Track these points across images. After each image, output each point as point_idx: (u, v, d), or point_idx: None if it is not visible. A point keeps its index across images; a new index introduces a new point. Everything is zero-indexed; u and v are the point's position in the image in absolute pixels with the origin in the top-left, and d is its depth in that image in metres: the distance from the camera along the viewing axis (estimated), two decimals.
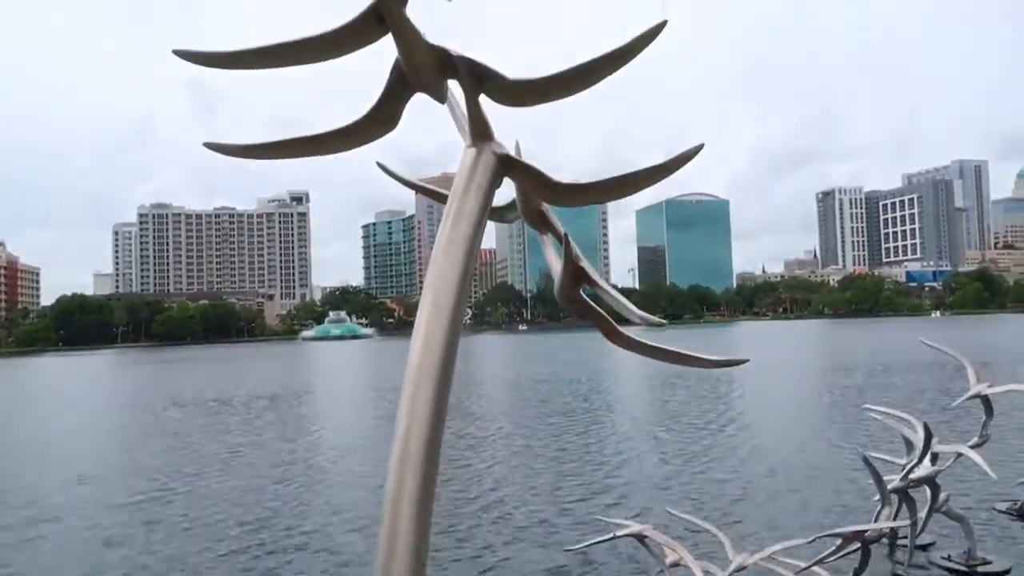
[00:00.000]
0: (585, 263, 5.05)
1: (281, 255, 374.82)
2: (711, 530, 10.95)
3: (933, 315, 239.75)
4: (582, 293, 5.26)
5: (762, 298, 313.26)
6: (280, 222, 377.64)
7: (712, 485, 18.97)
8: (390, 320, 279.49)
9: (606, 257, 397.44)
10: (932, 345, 14.55)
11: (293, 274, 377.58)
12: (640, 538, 10.02)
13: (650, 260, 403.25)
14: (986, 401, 13.32)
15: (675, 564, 9.89)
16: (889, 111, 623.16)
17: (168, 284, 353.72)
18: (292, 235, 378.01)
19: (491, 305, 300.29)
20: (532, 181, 4.77)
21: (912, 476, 11.62)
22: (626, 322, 5.35)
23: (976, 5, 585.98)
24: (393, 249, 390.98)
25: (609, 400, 40.79)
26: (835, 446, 23.05)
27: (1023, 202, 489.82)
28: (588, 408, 36.23)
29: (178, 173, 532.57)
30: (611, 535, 10.20)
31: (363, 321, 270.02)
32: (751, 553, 10.41)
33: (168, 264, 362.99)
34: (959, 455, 12.59)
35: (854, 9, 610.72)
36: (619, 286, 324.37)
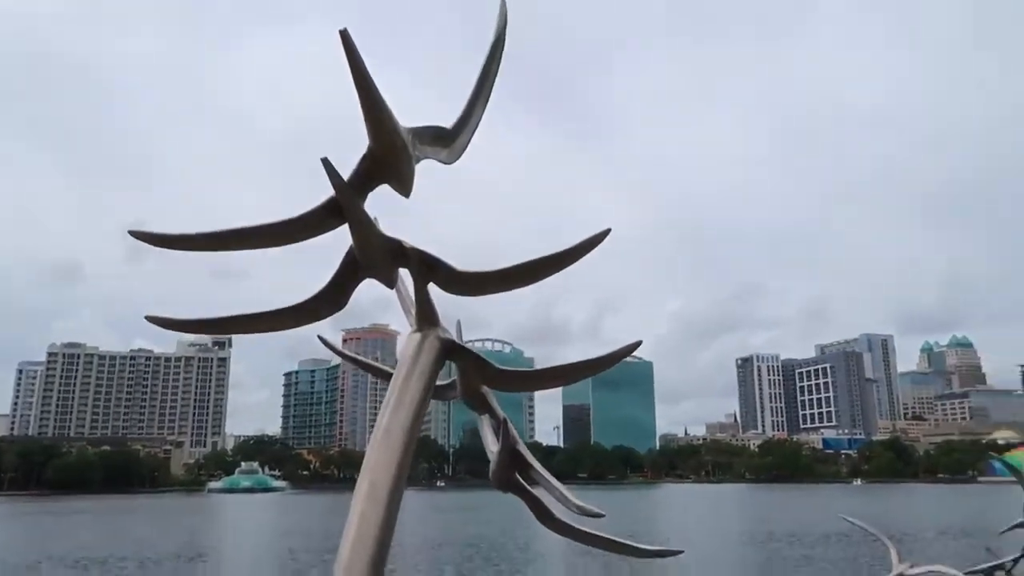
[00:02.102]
0: (522, 447, 5.10)
1: (196, 401, 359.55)
2: None
3: (855, 483, 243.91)
4: (518, 476, 5.26)
5: (685, 460, 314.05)
6: (199, 367, 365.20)
7: None
8: (305, 472, 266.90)
9: (531, 414, 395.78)
10: (854, 522, 14.77)
11: (207, 421, 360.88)
12: None
13: (575, 419, 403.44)
14: None
15: None
16: (804, 283, 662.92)
17: (70, 428, 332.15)
18: (210, 380, 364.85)
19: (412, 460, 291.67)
20: (473, 365, 4.89)
21: None
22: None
23: (883, 195, 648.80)
24: (315, 399, 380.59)
25: (525, 566, 39.18)
26: None
27: (928, 375, 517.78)
28: (504, 571, 34.70)
29: (100, 314, 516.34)
30: None
31: (276, 473, 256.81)
32: None
33: (72, 406, 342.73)
34: None
35: (775, 194, 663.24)
36: (544, 444, 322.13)
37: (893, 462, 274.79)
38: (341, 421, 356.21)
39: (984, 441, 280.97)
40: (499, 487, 5.30)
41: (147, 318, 4.44)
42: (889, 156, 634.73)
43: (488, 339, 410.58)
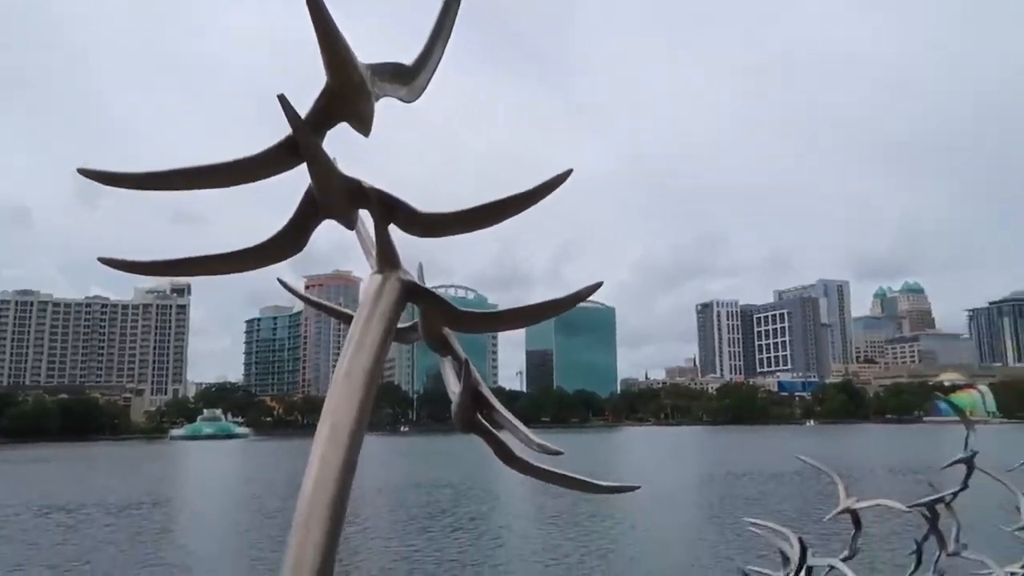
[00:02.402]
0: (484, 388, 5.12)
1: (155, 348, 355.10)
2: None
3: (808, 424, 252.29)
4: (479, 417, 5.30)
5: (645, 404, 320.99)
6: (157, 314, 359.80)
7: None
8: (268, 419, 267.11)
9: (495, 360, 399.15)
10: (806, 460, 15.27)
11: (167, 369, 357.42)
12: None
13: (538, 364, 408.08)
14: (855, 515, 13.95)
15: None
16: (764, 232, 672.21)
17: (24, 376, 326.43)
18: (169, 328, 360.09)
19: (375, 406, 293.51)
20: (435, 307, 4.86)
21: None
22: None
23: (842, 146, 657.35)
24: (277, 346, 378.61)
25: (488, 507, 40.12)
26: (718, 559, 23.41)
27: (880, 320, 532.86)
28: (467, 515, 35.47)
29: (54, 261, 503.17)
30: None
31: (239, 419, 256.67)
32: None
33: (27, 355, 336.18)
34: (831, 568, 13.01)
35: (739, 142, 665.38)
36: (507, 388, 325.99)
37: (845, 404, 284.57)
38: (304, 368, 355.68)
39: (931, 383, 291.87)
40: (461, 428, 5.34)
41: (100, 260, 4.33)
42: (850, 107, 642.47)
43: (451, 285, 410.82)
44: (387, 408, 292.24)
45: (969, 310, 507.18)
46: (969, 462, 14.88)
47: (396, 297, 4.48)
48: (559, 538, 29.05)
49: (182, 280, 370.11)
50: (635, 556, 24.91)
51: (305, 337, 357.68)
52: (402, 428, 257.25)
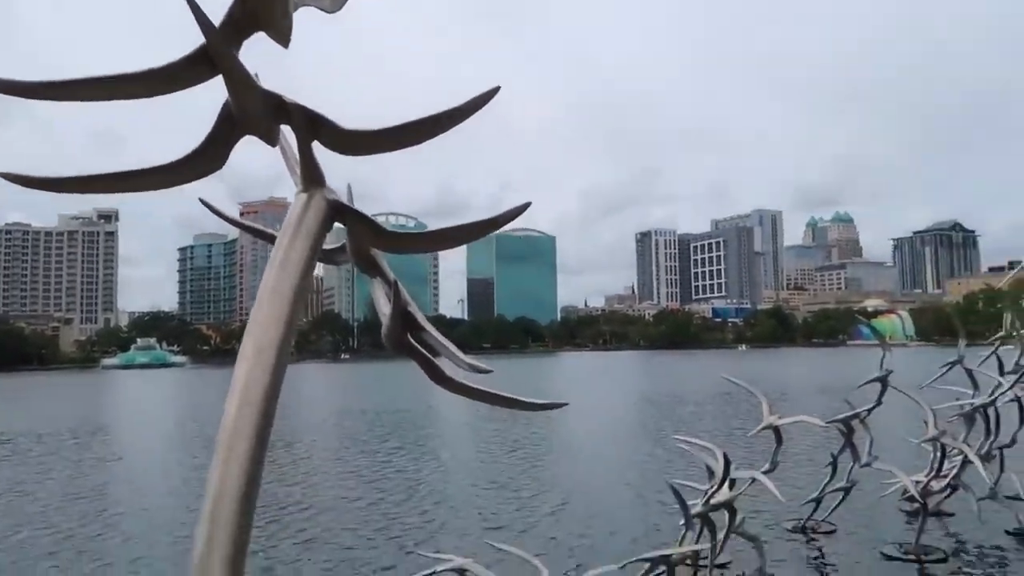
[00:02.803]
0: (414, 308, 5.14)
1: (83, 276, 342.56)
2: (529, 559, 11.24)
3: (740, 348, 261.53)
4: (410, 338, 5.33)
5: (584, 330, 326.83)
6: (84, 241, 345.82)
7: (531, 515, 19.44)
8: (206, 348, 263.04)
9: (436, 288, 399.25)
10: (732, 380, 15.91)
11: (96, 297, 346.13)
12: (460, 572, 10.10)
13: (479, 292, 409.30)
14: (777, 431, 14.72)
15: None
16: (703, 165, 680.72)
17: None
18: (97, 256, 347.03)
19: (315, 334, 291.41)
20: (362, 228, 4.80)
21: (712, 501, 12.58)
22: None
23: (780, 83, 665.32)
24: (212, 274, 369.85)
25: (428, 431, 40.84)
26: (647, 475, 24.41)
27: (811, 248, 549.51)
28: (407, 439, 36.04)
29: None
30: (431, 571, 10.20)
31: (175, 348, 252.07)
32: None
33: None
34: (753, 480, 13.74)
35: (679, 77, 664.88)
36: (448, 316, 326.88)
37: (775, 329, 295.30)
38: (241, 296, 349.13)
39: (856, 309, 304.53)
40: (392, 349, 5.38)
41: (2, 175, 4.13)
42: (787, 44, 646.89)
43: (391, 213, 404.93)
44: (328, 336, 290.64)
45: (894, 239, 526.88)
46: (883, 381, 15.79)
47: (321, 216, 4.41)
48: (497, 457, 29.90)
49: (108, 206, 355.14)
50: (568, 473, 25.82)
51: (241, 265, 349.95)
52: (343, 356, 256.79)
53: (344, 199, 4.92)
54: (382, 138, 4.16)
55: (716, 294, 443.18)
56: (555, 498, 21.54)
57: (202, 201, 5.55)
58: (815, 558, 15.26)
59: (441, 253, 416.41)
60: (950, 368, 17.36)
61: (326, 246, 5.22)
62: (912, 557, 14.68)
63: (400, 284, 5.10)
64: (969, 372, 17.18)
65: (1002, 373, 17.17)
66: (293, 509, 20.74)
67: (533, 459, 28.96)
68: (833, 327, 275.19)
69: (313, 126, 4.11)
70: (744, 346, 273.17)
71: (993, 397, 16.47)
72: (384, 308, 5.34)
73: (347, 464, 29.05)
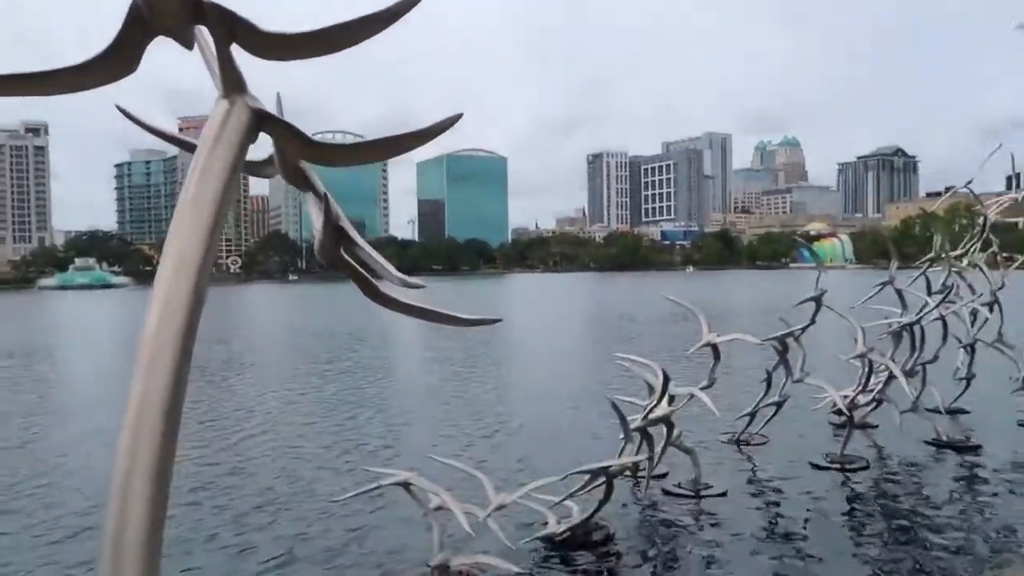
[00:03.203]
0: (345, 223, 5.06)
1: (13, 192, 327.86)
2: (473, 474, 11.56)
3: (687, 271, 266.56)
4: (343, 253, 5.27)
5: (535, 252, 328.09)
6: (12, 155, 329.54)
7: (475, 431, 19.82)
8: (148, 268, 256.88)
9: (386, 209, 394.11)
10: (674, 300, 16.23)
11: (28, 215, 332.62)
12: (405, 486, 10.34)
13: (430, 213, 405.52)
14: (714, 349, 15.16)
15: (439, 508, 10.35)
16: (655, 87, 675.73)
17: None
18: (26, 171, 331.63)
19: (263, 254, 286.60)
20: (288, 138, 4.66)
21: (651, 416, 13.00)
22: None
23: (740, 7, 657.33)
24: (152, 191, 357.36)
25: (380, 351, 41.01)
26: (592, 392, 25.02)
27: (759, 172, 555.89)
28: (359, 359, 36.18)
29: None
30: (376, 484, 10.42)
31: (116, 269, 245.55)
32: (510, 492, 11.17)
33: None
34: (691, 396, 14.20)
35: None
36: (399, 238, 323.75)
37: (721, 251, 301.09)
38: None
39: (799, 232, 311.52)
40: (327, 264, 5.32)
41: None
42: None
43: (338, 131, 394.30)
44: (275, 256, 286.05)
45: (839, 164, 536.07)
46: (817, 300, 16.29)
47: (243, 124, 4.25)
48: (448, 375, 30.34)
49: (35, 119, 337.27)
50: (516, 391, 26.39)
51: (182, 182, 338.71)
52: (291, 277, 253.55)
53: (275, 109, 4.76)
54: (302, 42, 3.98)
55: (665, 217, 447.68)
56: (503, 415, 22.01)
57: (119, 108, 5.30)
58: (747, 468, 16.00)
59: (391, 174, 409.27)
60: (881, 289, 17.99)
61: (253, 158, 5.07)
62: (836, 466, 15.49)
63: (330, 198, 5.00)
64: (899, 292, 17.84)
65: (930, 294, 17.88)
66: (241, 430, 20.78)
67: (483, 377, 29.43)
68: (776, 250, 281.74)
69: (230, 27, 3.90)
70: (691, 268, 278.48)
71: (919, 316, 17.19)
72: (317, 223, 5.25)
73: (298, 384, 29.08)
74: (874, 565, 10.77)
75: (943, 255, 18.28)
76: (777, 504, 13.81)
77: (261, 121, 4.49)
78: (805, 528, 12.40)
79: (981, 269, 19.76)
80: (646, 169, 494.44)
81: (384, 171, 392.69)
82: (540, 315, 67.27)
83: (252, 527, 12.72)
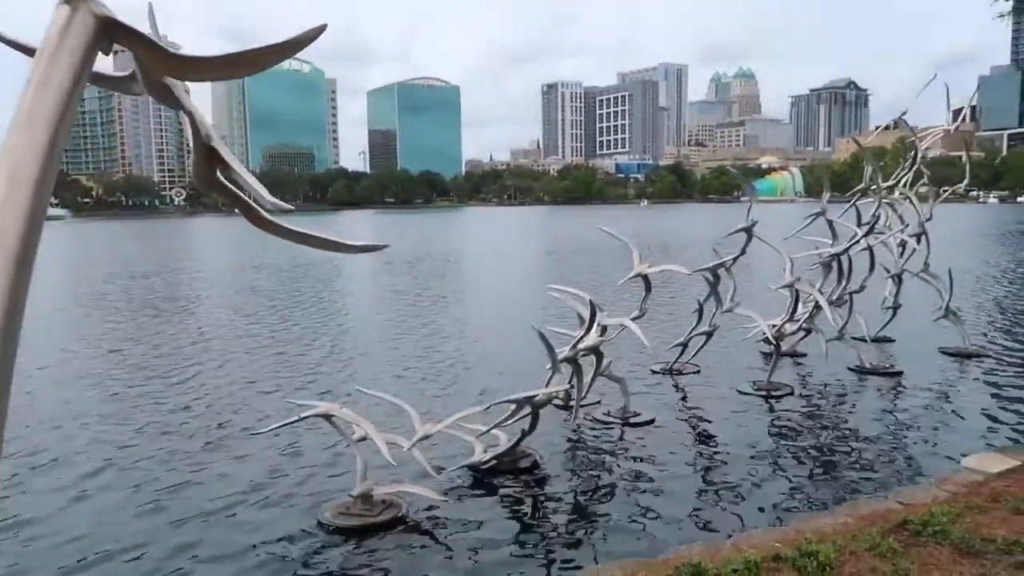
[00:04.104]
0: (217, 143, 4.76)
1: None
2: (399, 404, 11.55)
3: (641, 204, 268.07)
4: (220, 176, 4.99)
5: (489, 185, 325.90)
6: None
7: (408, 361, 19.83)
8: (87, 200, 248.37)
9: (335, 139, 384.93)
10: (606, 231, 16.22)
11: None
12: (327, 417, 10.27)
13: (381, 144, 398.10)
14: (646, 279, 15.23)
15: (362, 439, 10.34)
16: (612, 14, 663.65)
17: None
18: None
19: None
20: (144, 50, 4.30)
21: (580, 346, 13.10)
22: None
23: None
24: (88, 120, 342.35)
25: (333, 285, 40.52)
26: (524, 323, 25.12)
27: (713, 104, 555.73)
28: (304, 294, 35.74)
29: None
30: (297, 417, 10.34)
31: (53, 201, 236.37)
32: (435, 423, 11.21)
33: None
34: (623, 326, 14.33)
35: None
36: (350, 169, 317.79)
37: (674, 184, 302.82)
38: (123, 145, 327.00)
39: (751, 165, 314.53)
40: (201, 187, 5.04)
41: None
42: None
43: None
44: None
45: (792, 97, 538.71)
46: (748, 231, 16.44)
47: (87, 33, 3.89)
48: (397, 307, 30.27)
49: None
50: (453, 323, 26.41)
51: (120, 111, 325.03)
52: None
53: (148, 26, 4.40)
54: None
55: (620, 149, 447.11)
56: (433, 348, 22.01)
57: None
58: (677, 396, 16.35)
59: (341, 103, 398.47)
60: (813, 220, 18.23)
61: (117, 72, 4.72)
62: (763, 393, 15.92)
63: (199, 116, 4.70)
64: (830, 224, 18.10)
65: (859, 225, 18.18)
66: (179, 366, 20.44)
67: (422, 310, 29.35)
68: (728, 183, 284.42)
69: None
70: (645, 202, 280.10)
71: (847, 247, 17.51)
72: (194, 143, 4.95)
73: (256, 317, 28.66)
74: (795, 485, 11.15)
75: (872, 187, 18.55)
76: (703, 430, 14.17)
77: (111, 30, 4.11)
78: (728, 452, 12.76)
79: (911, 201, 20.14)
80: (601, 100, 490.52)
81: (333, 100, 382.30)
82: (493, 248, 67.15)
83: (187, 463, 12.61)
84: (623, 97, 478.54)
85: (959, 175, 23.76)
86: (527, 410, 11.81)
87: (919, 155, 19.94)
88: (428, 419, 11.50)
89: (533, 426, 11.79)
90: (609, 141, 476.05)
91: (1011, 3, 18.98)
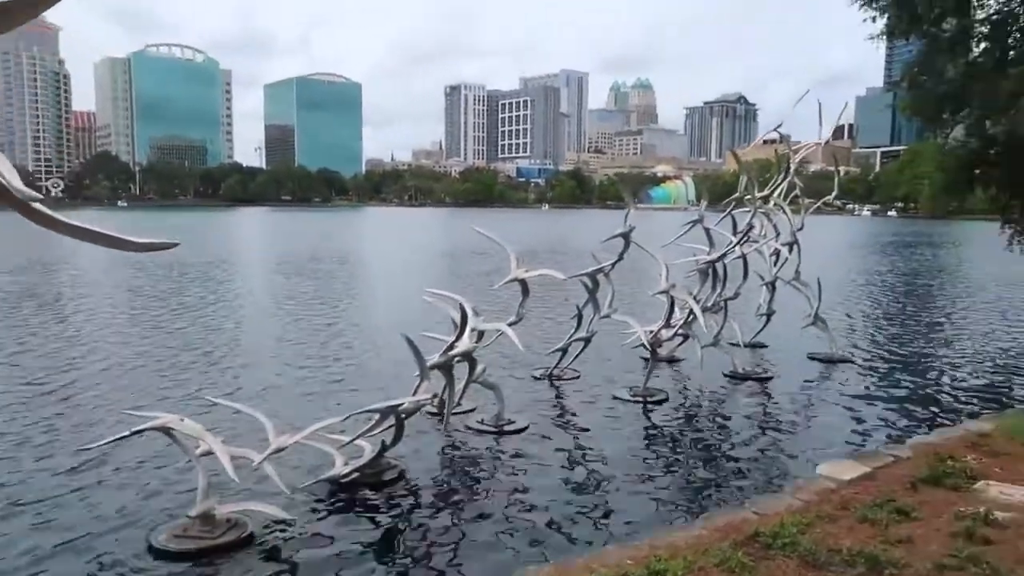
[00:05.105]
0: None
1: None
2: (253, 415, 10.78)
3: (543, 208, 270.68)
4: None
5: (390, 185, 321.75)
6: None
7: (265, 373, 18.73)
8: None
9: (230, 134, 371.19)
10: (482, 232, 15.87)
11: None
12: (166, 430, 9.40)
13: (279, 139, 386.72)
14: (523, 284, 14.98)
15: (206, 454, 9.53)
16: (515, 18, 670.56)
17: None
18: None
19: (90, 177, 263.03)
20: None
21: (451, 352, 12.66)
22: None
23: None
24: None
25: (226, 283, 38.46)
26: (411, 327, 24.50)
27: (613, 112, 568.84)
28: (190, 294, 33.81)
29: None
30: (130, 431, 9.41)
31: None
32: (291, 435, 10.48)
33: None
34: (499, 332, 13.99)
35: None
36: (244, 165, 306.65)
37: (574, 190, 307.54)
38: None
39: (647, 173, 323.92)
40: None
41: None
42: None
43: (177, 44, 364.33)
44: (104, 180, 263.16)
45: (687, 108, 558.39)
46: (626, 237, 16.46)
47: None
48: (282, 304, 29.01)
49: None
50: (333, 325, 25.52)
51: None
52: (120, 203, 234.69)
53: None
54: None
55: (522, 154, 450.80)
56: (321, 351, 21.11)
57: None
58: (554, 403, 16.17)
59: (236, 96, 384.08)
60: (692, 227, 18.50)
61: None
62: (639, 399, 15.95)
63: None
64: (707, 231, 18.41)
65: (735, 233, 18.59)
66: (49, 371, 18.74)
67: (306, 313, 28.24)
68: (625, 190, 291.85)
69: None
70: (546, 206, 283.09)
71: (721, 254, 17.85)
72: None
73: (122, 320, 26.73)
74: (659, 495, 11.06)
75: (746, 197, 19.02)
76: (576, 439, 13.99)
77: None
78: (599, 461, 12.60)
79: (783, 210, 20.80)
80: (504, 104, 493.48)
81: (228, 91, 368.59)
82: (390, 250, 66.01)
83: (8, 480, 11.36)
84: (525, 102, 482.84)
85: (846, 188, 24.89)
86: (391, 421, 11.28)
87: (792, 167, 20.64)
88: (285, 430, 10.76)
89: (398, 437, 11.26)
90: (511, 145, 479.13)
91: (881, 25, 19.79)
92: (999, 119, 19.43)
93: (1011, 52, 18.89)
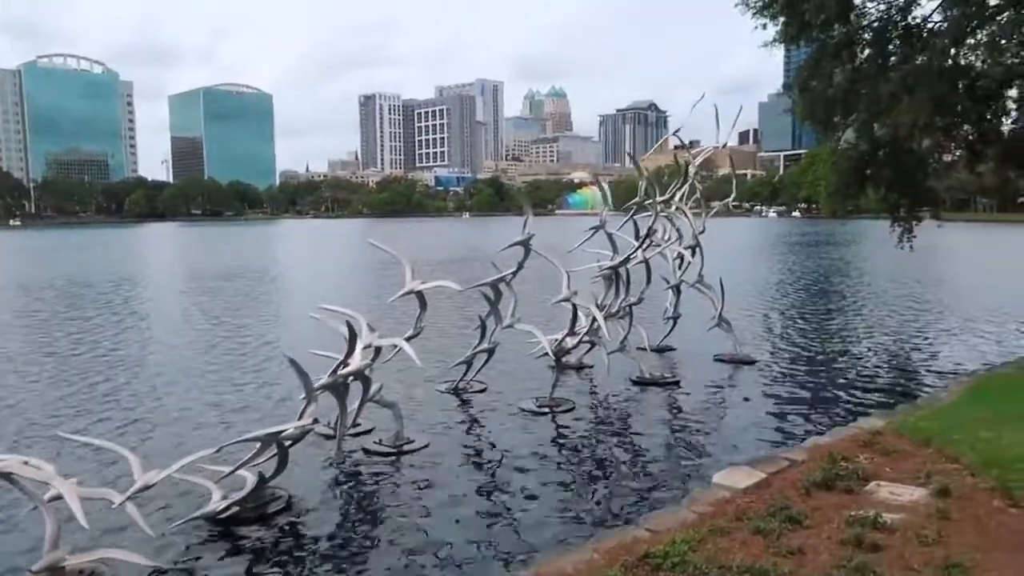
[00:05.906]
0: None
1: None
2: (116, 450, 9.86)
3: (463, 216, 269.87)
4: None
5: (305, 196, 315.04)
6: None
7: (139, 402, 17.54)
8: None
9: (133, 145, 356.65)
10: (376, 244, 15.25)
11: None
12: (5, 476, 8.42)
13: (186, 151, 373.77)
14: (420, 296, 14.43)
15: (55, 498, 8.59)
16: (428, 26, 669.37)
17: None
18: None
19: None
20: None
21: (341, 372, 11.98)
22: None
23: None
24: None
25: (137, 301, 36.30)
26: (317, 344, 23.57)
27: (528, 120, 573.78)
28: (118, 309, 31.76)
29: None
30: None
31: None
32: (159, 471, 9.61)
33: None
34: (396, 347, 13.37)
35: None
36: (150, 179, 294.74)
37: (492, 198, 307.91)
38: None
39: (564, 180, 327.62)
40: None
41: None
42: None
43: (75, 56, 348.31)
44: None
45: (601, 116, 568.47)
46: (525, 244, 16.10)
47: None
48: (201, 314, 27.50)
49: None
50: (226, 344, 24.36)
51: None
52: (12, 222, 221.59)
53: None
54: None
55: (439, 163, 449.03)
56: (221, 370, 19.99)
57: None
58: (457, 418, 15.65)
59: (139, 107, 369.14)
60: (594, 233, 18.31)
61: None
62: (545, 409, 15.60)
63: None
64: (610, 236, 18.25)
65: (637, 238, 18.51)
66: None
67: (243, 321, 26.92)
68: (543, 197, 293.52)
69: None
70: (467, 214, 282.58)
71: (623, 259, 17.72)
72: None
73: (47, 331, 24.80)
74: (554, 515, 10.65)
75: (647, 202, 19.00)
76: (480, 454, 13.53)
77: None
78: (501, 479, 12.17)
79: (685, 214, 20.91)
80: (420, 113, 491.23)
81: (129, 103, 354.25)
82: (304, 263, 64.19)
83: None
84: (441, 111, 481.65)
85: (737, 191, 25.36)
86: (274, 450, 10.53)
87: (691, 171, 20.79)
88: (152, 466, 9.87)
89: (281, 466, 10.52)
90: (428, 154, 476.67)
91: (774, 32, 20.20)
92: (884, 121, 20.06)
93: (892, 57, 19.55)
